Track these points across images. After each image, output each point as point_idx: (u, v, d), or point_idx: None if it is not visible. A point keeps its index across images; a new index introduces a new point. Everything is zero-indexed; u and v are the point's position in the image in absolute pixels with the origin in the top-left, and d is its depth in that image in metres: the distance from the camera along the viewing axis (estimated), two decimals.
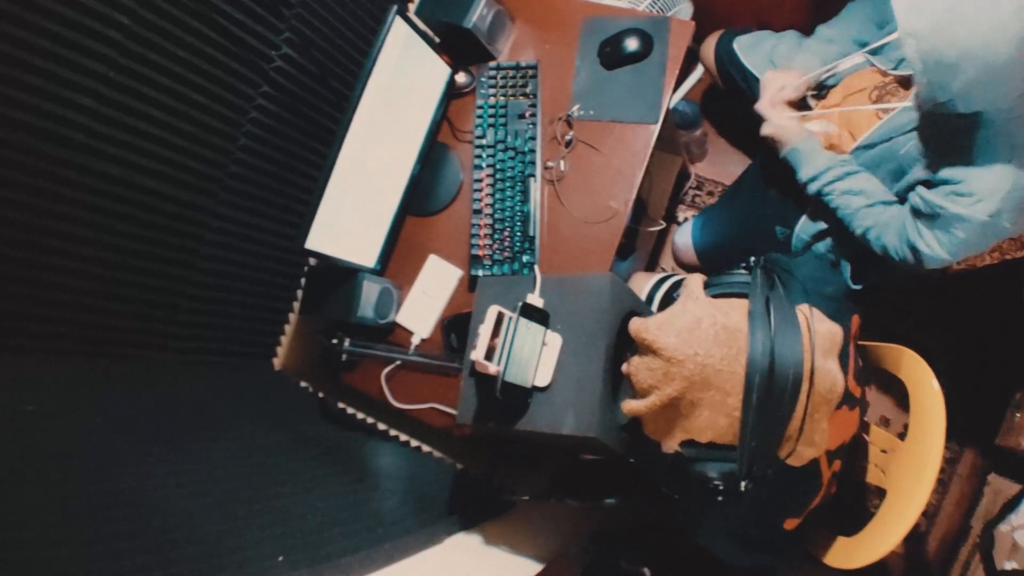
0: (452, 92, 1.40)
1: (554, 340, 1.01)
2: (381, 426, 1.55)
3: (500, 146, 1.33)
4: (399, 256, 1.39)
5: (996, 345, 1.58)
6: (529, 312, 0.99)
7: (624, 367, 0.83)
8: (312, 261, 1.46)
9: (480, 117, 1.36)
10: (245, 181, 1.24)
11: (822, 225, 1.23)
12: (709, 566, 1.02)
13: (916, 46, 0.86)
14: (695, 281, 0.85)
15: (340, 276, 1.28)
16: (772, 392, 0.74)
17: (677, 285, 1.38)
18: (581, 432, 0.95)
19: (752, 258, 0.91)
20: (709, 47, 1.51)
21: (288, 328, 1.50)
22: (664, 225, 1.77)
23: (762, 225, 1.34)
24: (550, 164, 1.31)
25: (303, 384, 1.54)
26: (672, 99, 1.28)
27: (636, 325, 0.79)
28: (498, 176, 1.32)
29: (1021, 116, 0.89)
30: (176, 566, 0.80)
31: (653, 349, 0.76)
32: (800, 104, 1.26)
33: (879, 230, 1.10)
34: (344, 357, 1.31)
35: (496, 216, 1.31)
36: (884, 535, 0.95)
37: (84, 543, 0.76)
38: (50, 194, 0.94)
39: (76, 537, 0.76)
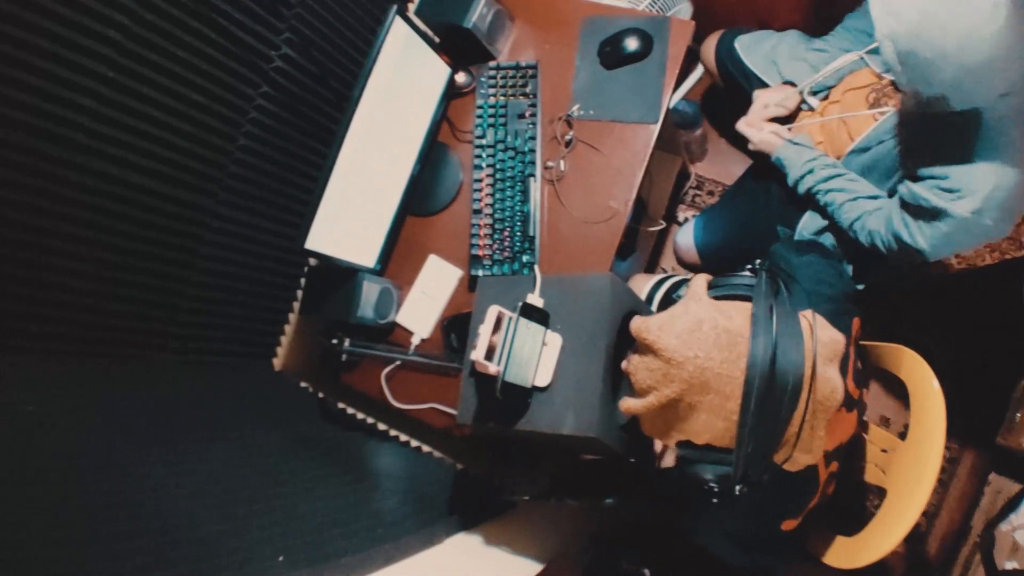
0: (452, 92, 1.40)
1: (554, 340, 1.01)
2: (381, 426, 1.55)
3: (500, 146, 1.33)
4: (399, 256, 1.39)
5: (996, 345, 1.58)
6: (529, 312, 0.99)
7: (624, 364, 0.83)
8: (312, 261, 1.46)
9: (480, 117, 1.36)
10: (245, 181, 1.24)
11: (823, 223, 1.24)
12: (709, 566, 1.02)
13: (894, 48, 0.87)
14: (699, 282, 0.85)
15: (340, 276, 1.28)
16: (771, 398, 0.73)
17: (677, 286, 1.38)
18: (581, 432, 0.95)
19: (758, 261, 0.91)
20: (709, 47, 1.51)
21: (288, 328, 1.50)
22: (664, 225, 1.77)
23: (764, 224, 1.35)
24: (550, 164, 1.31)
25: (303, 384, 1.54)
26: (672, 99, 1.28)
27: (637, 324, 0.79)
28: (498, 176, 1.32)
29: (1003, 115, 0.90)
30: (176, 566, 0.80)
31: (653, 350, 0.76)
32: (792, 115, 1.31)
33: (865, 220, 1.12)
34: (344, 357, 1.31)
35: (496, 216, 1.31)
36: (884, 535, 0.95)
37: (84, 543, 0.76)
38: (50, 194, 0.94)
39: (76, 537, 0.76)
